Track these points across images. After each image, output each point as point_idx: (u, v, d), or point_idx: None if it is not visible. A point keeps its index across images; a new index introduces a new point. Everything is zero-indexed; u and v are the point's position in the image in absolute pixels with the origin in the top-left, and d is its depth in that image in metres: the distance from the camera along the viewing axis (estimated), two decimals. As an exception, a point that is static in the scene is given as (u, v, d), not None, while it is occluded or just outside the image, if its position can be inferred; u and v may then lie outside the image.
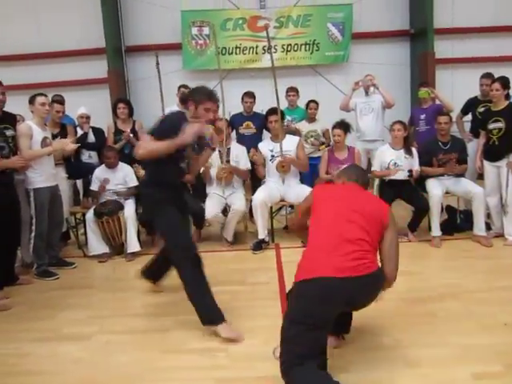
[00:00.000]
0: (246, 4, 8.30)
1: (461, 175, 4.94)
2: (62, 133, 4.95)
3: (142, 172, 4.77)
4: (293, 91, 6.20)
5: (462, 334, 2.83)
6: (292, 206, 5.76)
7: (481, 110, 5.30)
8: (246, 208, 5.17)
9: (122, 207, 4.85)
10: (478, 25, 8.08)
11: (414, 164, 4.90)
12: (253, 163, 5.18)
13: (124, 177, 4.98)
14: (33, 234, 4.21)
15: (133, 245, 4.74)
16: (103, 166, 5.06)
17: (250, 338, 2.92)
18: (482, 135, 4.90)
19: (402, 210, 5.22)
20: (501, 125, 4.62)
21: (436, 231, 4.76)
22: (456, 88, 7.62)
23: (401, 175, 4.85)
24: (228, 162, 5.06)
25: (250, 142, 5.47)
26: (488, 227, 4.86)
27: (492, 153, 4.76)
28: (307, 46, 8.33)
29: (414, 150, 4.99)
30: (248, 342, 2.88)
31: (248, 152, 5.20)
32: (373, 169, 5.11)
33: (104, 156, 5.02)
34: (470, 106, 5.58)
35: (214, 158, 5.09)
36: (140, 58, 8.35)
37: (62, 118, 5.14)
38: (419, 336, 2.83)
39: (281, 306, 3.38)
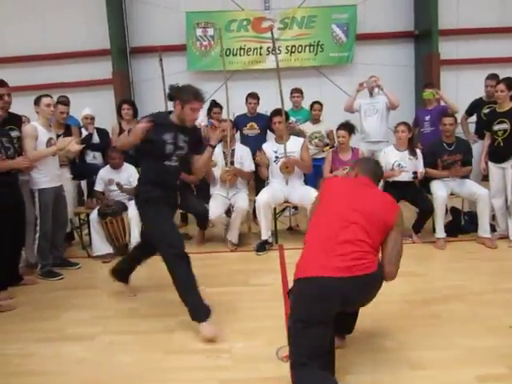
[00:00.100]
0: (250, 5, 8.30)
1: (465, 177, 4.93)
2: (67, 134, 4.94)
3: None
4: (297, 92, 6.20)
5: (467, 336, 2.82)
6: (296, 207, 5.76)
7: (486, 111, 5.28)
8: (250, 208, 5.17)
9: (125, 208, 4.87)
10: (483, 26, 8.05)
11: (419, 165, 4.89)
12: (257, 164, 5.18)
13: (128, 177, 5.00)
14: (37, 235, 4.23)
15: (136, 245, 4.74)
16: (108, 166, 5.08)
17: (253, 339, 2.92)
18: (487, 136, 4.89)
19: (406, 212, 5.18)
20: (506, 126, 4.60)
21: (440, 233, 4.75)
22: (461, 89, 7.59)
23: (405, 177, 4.84)
24: (232, 163, 5.07)
25: (254, 143, 5.48)
26: (493, 229, 4.84)
27: (497, 154, 4.74)
28: (311, 47, 8.32)
29: (418, 151, 4.98)
30: (251, 343, 2.88)
31: (252, 153, 5.20)
32: (377, 170, 5.09)
33: (108, 157, 5.04)
34: (475, 107, 5.57)
35: (219, 159, 5.10)
36: (144, 60, 8.36)
37: (67, 119, 5.16)
38: (423, 338, 2.82)
39: (284, 307, 3.37)
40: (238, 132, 5.86)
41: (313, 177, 5.50)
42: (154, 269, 3.67)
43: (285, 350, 2.73)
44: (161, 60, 5.45)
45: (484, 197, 4.66)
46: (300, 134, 5.64)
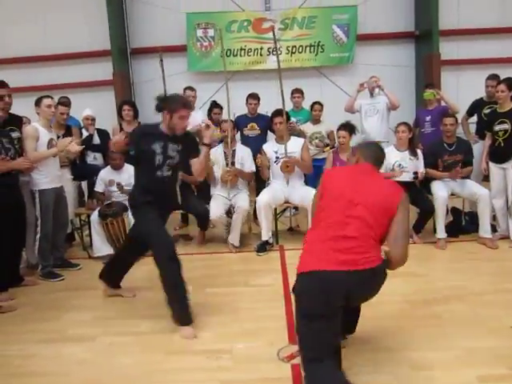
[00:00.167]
0: (250, 6, 8.31)
1: (466, 177, 4.92)
2: (67, 134, 4.94)
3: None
4: (298, 93, 6.20)
5: (467, 337, 2.82)
6: (296, 208, 5.76)
7: (486, 111, 5.28)
8: (251, 208, 5.17)
9: (126, 209, 4.85)
10: (484, 26, 8.04)
11: (419, 166, 4.89)
12: (257, 165, 5.18)
13: (129, 178, 4.97)
14: (38, 236, 4.23)
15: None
16: (108, 167, 5.08)
17: (254, 340, 2.92)
18: (488, 137, 4.88)
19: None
20: (507, 126, 4.60)
21: (441, 233, 4.75)
22: (461, 89, 7.59)
23: (406, 177, 4.84)
24: (233, 163, 5.07)
25: (255, 144, 5.48)
26: (493, 229, 4.84)
27: (498, 154, 4.74)
28: (312, 48, 8.32)
29: (419, 151, 4.98)
30: (252, 343, 2.88)
31: (253, 154, 5.21)
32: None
33: (109, 157, 5.04)
34: (476, 107, 5.57)
35: (219, 159, 5.11)
36: (145, 61, 8.36)
37: (67, 120, 5.16)
38: (424, 338, 2.82)
39: (285, 307, 3.37)
40: (239, 132, 5.87)
41: (313, 177, 5.49)
42: (153, 269, 3.66)
43: (286, 351, 2.74)
44: (161, 60, 5.44)
45: (485, 197, 4.65)
46: (300, 134, 5.64)
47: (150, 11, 8.31)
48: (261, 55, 8.31)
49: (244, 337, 2.97)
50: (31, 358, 2.87)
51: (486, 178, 5.14)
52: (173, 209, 3.72)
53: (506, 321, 3.00)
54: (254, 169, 5.21)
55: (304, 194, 4.80)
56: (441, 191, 4.73)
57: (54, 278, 4.28)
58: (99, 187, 5.04)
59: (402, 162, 4.88)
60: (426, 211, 4.82)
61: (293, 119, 5.70)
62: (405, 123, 5.05)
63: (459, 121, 5.30)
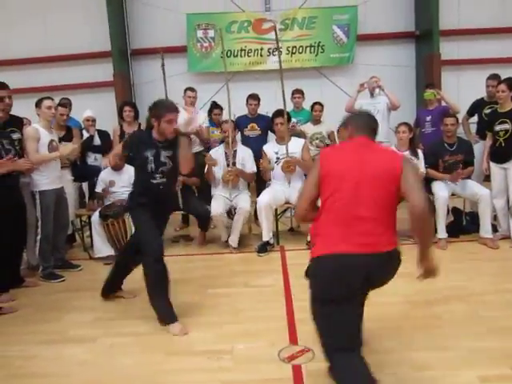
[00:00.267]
0: (251, 7, 8.30)
1: (467, 177, 4.92)
2: (68, 135, 4.97)
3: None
4: (298, 93, 6.20)
5: (468, 337, 2.82)
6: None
7: (487, 111, 5.28)
8: (251, 209, 5.17)
9: (127, 210, 4.86)
10: (484, 26, 8.03)
11: (420, 166, 4.88)
12: (259, 167, 5.18)
13: (129, 179, 4.98)
14: (39, 237, 4.23)
15: (138, 247, 4.74)
16: (109, 168, 5.08)
17: (254, 341, 2.92)
18: (489, 137, 4.88)
19: (407, 213, 5.19)
20: (507, 126, 4.60)
21: (442, 233, 4.74)
22: (462, 89, 7.58)
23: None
24: (234, 164, 5.06)
25: (255, 144, 5.48)
26: (494, 229, 4.83)
27: (499, 154, 4.73)
28: (312, 48, 8.32)
29: (419, 151, 4.98)
30: (253, 344, 2.88)
31: (254, 155, 5.21)
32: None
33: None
34: (476, 107, 5.56)
35: (221, 159, 5.11)
36: (145, 61, 8.36)
37: (67, 121, 5.17)
38: (425, 339, 2.82)
39: (286, 308, 3.37)
40: (239, 133, 5.87)
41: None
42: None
43: (287, 351, 2.74)
44: (163, 60, 5.44)
45: (486, 197, 4.65)
46: (301, 134, 5.64)
47: (150, 12, 8.31)
48: (261, 56, 8.31)
49: (245, 337, 2.97)
50: (32, 359, 2.87)
51: (487, 178, 5.14)
52: (170, 212, 3.78)
53: (506, 320, 3.00)
54: (255, 169, 5.21)
55: (304, 195, 4.79)
56: (441, 191, 4.73)
57: (55, 279, 4.28)
58: (100, 188, 5.04)
59: (402, 162, 4.87)
60: (427, 211, 4.81)
61: (293, 120, 5.70)
62: (405, 123, 5.05)
63: (460, 121, 5.29)
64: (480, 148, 5.20)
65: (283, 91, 5.12)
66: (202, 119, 5.91)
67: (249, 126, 5.92)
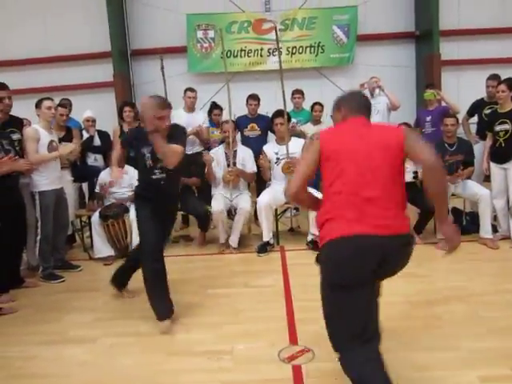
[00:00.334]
0: (251, 7, 8.30)
1: (467, 177, 4.91)
2: (68, 136, 4.97)
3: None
4: (298, 93, 6.21)
5: (469, 338, 2.82)
6: (297, 209, 5.76)
7: (487, 111, 5.28)
8: (251, 209, 5.16)
9: (127, 210, 4.86)
10: (484, 26, 8.03)
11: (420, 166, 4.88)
12: (259, 166, 5.18)
13: (130, 180, 5.00)
14: (38, 237, 4.23)
15: (138, 247, 4.74)
16: (109, 168, 5.07)
17: (254, 341, 2.91)
18: (489, 137, 4.88)
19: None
20: (507, 127, 4.60)
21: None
22: (462, 90, 7.58)
23: (406, 177, 4.82)
24: (234, 164, 5.06)
25: (255, 144, 5.49)
26: (494, 230, 4.83)
27: (499, 155, 4.73)
28: (312, 49, 8.32)
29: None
30: (253, 344, 2.88)
31: (254, 155, 5.21)
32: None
33: (109, 159, 5.03)
34: (477, 107, 5.56)
35: (221, 159, 5.11)
36: (145, 62, 8.36)
37: (67, 122, 5.17)
38: (425, 339, 2.82)
39: (286, 308, 3.37)
40: (239, 133, 5.87)
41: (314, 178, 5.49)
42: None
43: (287, 352, 2.74)
44: (162, 62, 5.44)
45: (486, 197, 4.65)
46: (301, 135, 5.64)
47: (150, 12, 8.31)
48: (261, 56, 8.31)
49: (245, 338, 2.97)
50: (32, 359, 2.87)
51: (487, 179, 5.14)
52: (176, 209, 3.75)
53: (506, 321, 3.00)
54: (255, 169, 5.21)
55: (305, 195, 4.79)
56: (442, 191, 4.72)
57: (55, 279, 4.28)
58: (99, 188, 5.04)
59: (402, 163, 4.87)
60: (427, 211, 4.80)
61: (293, 120, 5.70)
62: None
63: (460, 121, 5.29)
64: (480, 148, 5.20)
65: (283, 91, 5.12)
66: (201, 119, 5.89)
67: (249, 126, 5.92)
